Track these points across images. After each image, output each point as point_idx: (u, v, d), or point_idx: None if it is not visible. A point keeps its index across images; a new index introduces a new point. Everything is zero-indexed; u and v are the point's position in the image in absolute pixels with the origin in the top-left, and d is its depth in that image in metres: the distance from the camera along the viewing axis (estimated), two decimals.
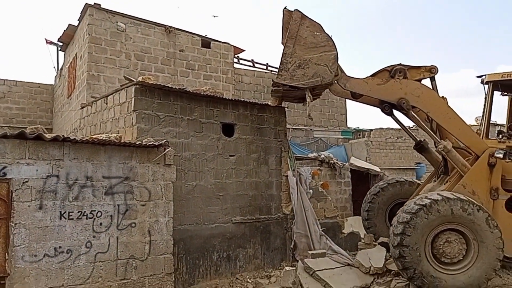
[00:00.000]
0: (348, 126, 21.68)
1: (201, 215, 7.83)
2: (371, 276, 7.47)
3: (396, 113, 7.94)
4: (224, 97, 8.62)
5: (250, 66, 19.03)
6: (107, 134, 6.96)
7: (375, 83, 7.43)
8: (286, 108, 9.64)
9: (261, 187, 8.85)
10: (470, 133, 7.59)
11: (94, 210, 5.83)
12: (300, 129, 19.24)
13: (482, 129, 8.09)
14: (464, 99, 63.08)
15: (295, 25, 6.98)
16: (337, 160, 14.32)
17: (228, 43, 15.88)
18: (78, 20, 13.83)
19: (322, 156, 14.04)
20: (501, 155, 7.19)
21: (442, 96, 7.74)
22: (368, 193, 9.47)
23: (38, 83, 18.30)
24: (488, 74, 8.04)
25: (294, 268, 7.67)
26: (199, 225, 7.77)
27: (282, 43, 7.30)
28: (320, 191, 10.29)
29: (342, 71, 7.43)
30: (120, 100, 7.89)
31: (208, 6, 51.88)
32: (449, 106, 7.54)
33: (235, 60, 17.40)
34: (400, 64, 7.62)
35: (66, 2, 50.52)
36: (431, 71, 7.79)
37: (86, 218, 5.75)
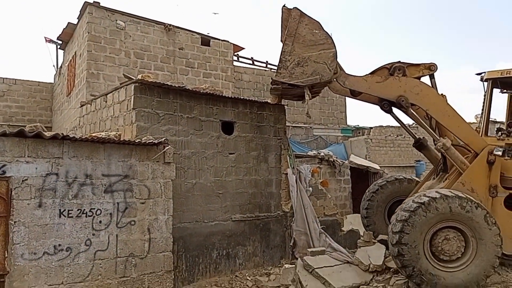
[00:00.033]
0: (348, 124, 21.69)
1: (201, 213, 7.84)
2: (370, 273, 7.48)
3: (395, 110, 7.94)
4: (223, 95, 8.63)
5: (249, 64, 19.04)
6: (106, 132, 6.97)
7: (374, 81, 7.42)
8: (285, 106, 9.64)
9: (261, 185, 8.86)
10: (469, 130, 7.58)
11: (94, 208, 5.84)
12: (300, 127, 19.26)
13: (481, 126, 8.09)
14: (465, 97, 63.07)
15: (294, 23, 6.97)
16: (336, 158, 14.33)
17: (228, 41, 15.87)
18: (77, 18, 13.83)
19: (322, 154, 14.05)
20: (500, 153, 7.20)
21: (442, 94, 7.73)
22: (367, 191, 9.48)
23: (38, 82, 18.31)
24: (488, 72, 8.03)
25: (294, 265, 7.67)
26: (198, 223, 7.78)
27: (281, 41, 7.30)
28: (320, 189, 10.30)
29: (341, 68, 7.42)
30: (119, 98, 7.89)
31: (207, 4, 51.80)
32: (448, 104, 7.54)
33: (235, 58, 17.41)
34: (399, 62, 7.61)
35: (65, 0, 50.45)
36: (430, 68, 7.77)
37: (86, 216, 5.76)
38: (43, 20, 49.56)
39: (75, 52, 14.24)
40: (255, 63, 19.19)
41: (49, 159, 5.53)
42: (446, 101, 7.64)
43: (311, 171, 10.16)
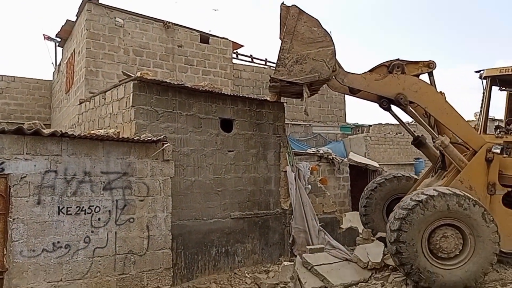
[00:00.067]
0: (347, 121, 21.69)
1: (200, 210, 7.84)
2: (369, 271, 7.50)
3: (394, 108, 7.94)
4: (222, 92, 8.61)
5: (249, 61, 19.01)
6: (105, 130, 6.96)
7: (373, 79, 7.42)
8: (285, 104, 9.64)
9: (260, 182, 8.87)
10: (468, 128, 7.59)
11: (93, 205, 5.84)
12: (299, 124, 19.25)
13: (480, 124, 8.10)
14: (465, 95, 63.08)
15: (293, 21, 6.97)
16: (336, 155, 14.35)
17: (227, 39, 15.84)
18: (76, 15, 13.79)
19: (321, 151, 14.07)
20: (498, 150, 7.20)
21: (440, 91, 7.73)
22: (365, 189, 9.49)
23: (36, 79, 18.28)
24: (487, 69, 8.03)
25: (293, 263, 7.69)
26: (197, 220, 7.79)
27: (280, 38, 7.29)
28: (319, 187, 10.31)
29: (340, 66, 7.42)
30: (118, 96, 7.89)
31: (206, 1, 51.70)
32: (447, 101, 7.54)
33: (234, 55, 17.38)
34: (398, 59, 7.60)
35: None
36: (429, 66, 7.77)
37: (85, 213, 5.76)
38: (42, 18, 49.44)
39: (74, 50, 14.22)
40: (255, 60, 19.17)
41: (47, 156, 5.52)
42: (445, 98, 7.64)
43: (310, 168, 10.17)
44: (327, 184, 12.75)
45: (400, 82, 7.40)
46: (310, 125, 19.65)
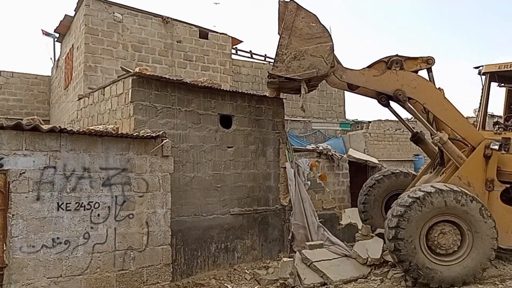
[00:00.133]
0: (347, 117, 21.70)
1: (199, 206, 7.86)
2: (368, 267, 7.52)
3: (393, 104, 7.94)
4: (222, 88, 8.60)
5: (248, 57, 18.98)
6: (104, 126, 6.94)
7: (372, 75, 7.41)
8: (284, 100, 9.63)
9: (259, 178, 8.88)
10: (466, 124, 7.60)
11: (92, 201, 5.83)
12: (299, 120, 19.25)
13: (479, 120, 8.10)
14: (465, 91, 63.07)
15: (291, 16, 6.95)
16: (335, 151, 14.36)
17: (226, 34, 15.81)
18: (74, 10, 13.74)
19: (320, 147, 14.08)
20: (496, 147, 7.20)
21: (439, 88, 7.72)
22: (364, 185, 9.51)
23: (35, 75, 18.23)
24: (485, 65, 8.02)
25: (292, 259, 7.71)
26: (197, 217, 7.80)
27: (278, 34, 7.27)
28: (318, 183, 10.33)
29: (338, 62, 7.40)
30: (117, 92, 7.87)
31: None
32: (445, 98, 7.54)
33: (233, 51, 17.34)
34: (397, 55, 7.60)
35: None
36: (428, 62, 7.76)
37: (84, 209, 5.75)
38: (40, 14, 49.23)
39: (73, 45, 14.17)
40: (254, 56, 19.13)
41: (46, 152, 5.51)
42: (444, 95, 7.64)
43: (309, 165, 10.19)
44: (327, 181, 12.76)
45: (398, 78, 7.40)
46: (309, 121, 19.65)
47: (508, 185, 7.39)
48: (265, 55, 19.36)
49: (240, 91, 9.29)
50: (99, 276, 5.80)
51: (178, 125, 7.70)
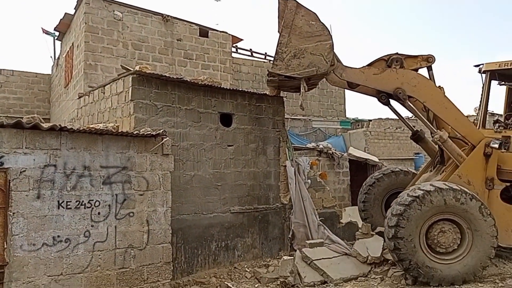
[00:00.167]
0: (347, 116, 21.70)
1: (200, 204, 7.86)
2: (368, 265, 7.53)
3: (393, 103, 7.93)
4: (222, 86, 8.60)
5: (248, 55, 18.97)
6: (104, 124, 6.94)
7: (372, 73, 7.40)
8: (284, 98, 9.63)
9: (260, 177, 8.88)
10: (467, 123, 7.60)
11: (92, 200, 5.84)
12: (299, 119, 19.24)
13: (479, 118, 8.10)
14: (466, 90, 63.01)
15: (290, 14, 6.93)
16: (335, 150, 14.32)
17: (226, 32, 15.79)
18: (74, 8, 13.71)
19: (321, 146, 14.03)
20: (496, 145, 7.20)
21: (439, 86, 7.72)
22: (363, 184, 9.51)
23: (35, 73, 18.23)
24: (486, 63, 8.02)
25: (292, 257, 7.71)
26: (197, 215, 7.81)
27: (278, 32, 7.26)
28: (318, 181, 10.33)
29: (338, 60, 7.39)
30: (117, 90, 7.87)
31: None
32: (445, 96, 7.53)
33: (233, 49, 17.33)
34: (397, 53, 7.59)
35: None
36: (428, 60, 7.76)
37: (84, 208, 5.76)
38: (40, 12, 49.19)
39: (73, 43, 14.16)
40: (254, 54, 19.13)
41: (47, 150, 5.52)
42: (444, 93, 7.63)
43: (309, 163, 10.18)
44: (327, 179, 12.73)
45: (398, 76, 7.39)
46: (310, 119, 19.64)
47: (508, 184, 7.39)
48: (266, 53, 19.37)
49: (240, 89, 9.28)
50: (100, 274, 5.81)
51: (178, 123, 7.70)
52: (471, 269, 6.51)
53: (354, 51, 67.96)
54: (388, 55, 7.58)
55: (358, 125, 21.51)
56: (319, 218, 9.19)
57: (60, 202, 5.56)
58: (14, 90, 17.51)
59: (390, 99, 7.83)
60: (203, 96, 8.10)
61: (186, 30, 14.76)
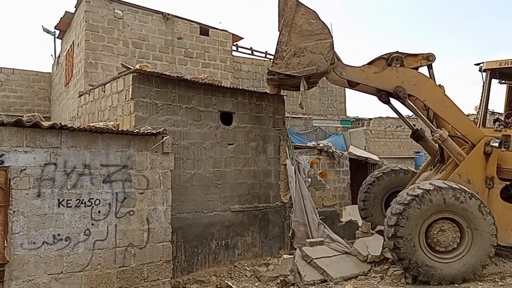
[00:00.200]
0: (347, 115, 21.67)
1: (200, 203, 7.87)
2: (368, 264, 7.54)
3: (393, 101, 7.93)
4: (222, 85, 8.59)
5: (249, 54, 18.96)
6: (104, 122, 6.95)
7: (372, 71, 7.40)
8: (285, 97, 9.62)
9: (260, 175, 8.88)
10: (467, 121, 7.59)
11: (93, 198, 5.85)
12: (299, 117, 19.24)
13: (479, 117, 8.09)
14: (466, 89, 62.93)
15: (290, 13, 6.92)
16: (336, 149, 14.33)
17: (227, 31, 15.77)
18: (75, 7, 13.71)
19: (321, 145, 14.04)
20: (496, 144, 7.20)
21: (439, 85, 7.72)
22: (363, 183, 9.52)
23: (36, 71, 18.23)
24: (486, 62, 8.00)
25: (292, 256, 7.72)
26: (197, 213, 7.81)
27: (278, 30, 7.26)
28: (319, 180, 10.33)
29: (338, 59, 7.39)
30: (118, 88, 7.87)
31: None
32: (445, 95, 7.53)
33: (234, 48, 17.31)
34: (397, 52, 7.58)
35: None
36: (428, 58, 7.75)
37: (85, 206, 5.77)
38: (41, 10, 49.16)
39: (73, 42, 14.16)
40: (254, 53, 19.11)
41: (47, 149, 5.52)
42: (444, 92, 7.63)
43: (310, 162, 10.18)
44: (327, 178, 12.75)
45: (399, 75, 7.38)
46: (310, 118, 19.64)
47: (508, 183, 7.39)
48: (266, 52, 19.33)
49: (240, 88, 9.27)
50: (100, 272, 5.82)
51: (179, 122, 7.70)
52: (471, 268, 6.51)
53: (354, 51, 67.90)
54: (388, 53, 7.57)
55: (359, 124, 21.49)
56: (319, 216, 9.19)
57: (61, 200, 5.57)
58: (14, 89, 17.52)
59: (390, 98, 7.83)
60: (203, 94, 8.10)
61: (186, 29, 14.75)
